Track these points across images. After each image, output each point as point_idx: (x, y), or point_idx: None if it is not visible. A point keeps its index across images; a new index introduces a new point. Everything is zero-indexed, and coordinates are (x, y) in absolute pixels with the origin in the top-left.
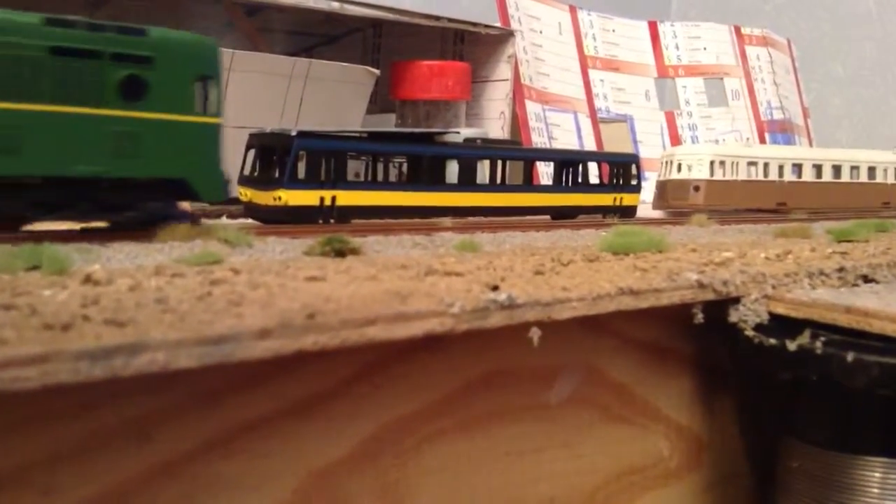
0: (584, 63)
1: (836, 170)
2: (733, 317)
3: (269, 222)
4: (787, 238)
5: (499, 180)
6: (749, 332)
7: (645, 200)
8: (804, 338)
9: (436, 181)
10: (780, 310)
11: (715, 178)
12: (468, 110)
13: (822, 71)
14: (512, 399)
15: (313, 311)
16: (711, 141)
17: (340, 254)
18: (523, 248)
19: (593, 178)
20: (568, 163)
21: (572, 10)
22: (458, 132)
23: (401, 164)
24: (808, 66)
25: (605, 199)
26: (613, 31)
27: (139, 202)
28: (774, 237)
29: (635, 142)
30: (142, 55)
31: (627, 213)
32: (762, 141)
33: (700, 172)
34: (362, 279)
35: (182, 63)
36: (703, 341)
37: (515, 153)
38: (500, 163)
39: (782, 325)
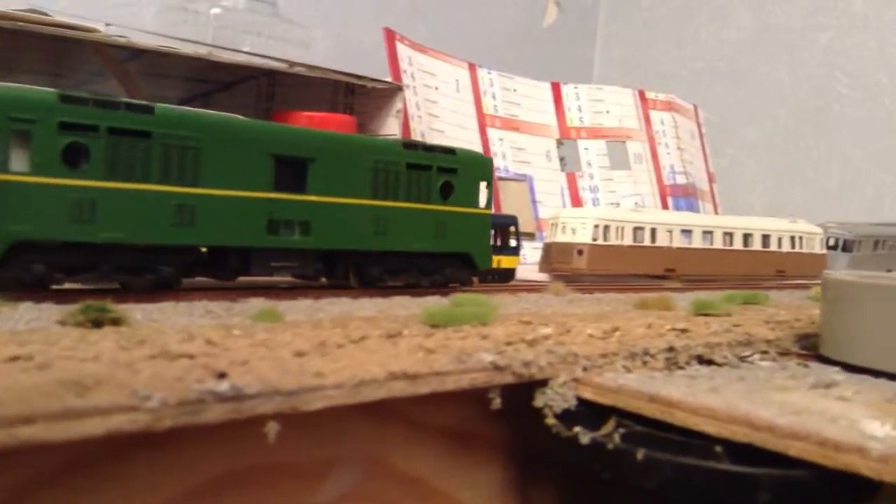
0: (483, 121)
1: (728, 237)
2: (539, 401)
3: None
4: (647, 309)
5: None
6: (550, 420)
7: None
8: (608, 428)
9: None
10: (589, 395)
11: (599, 242)
12: None
13: (736, 137)
14: (267, 499)
15: None
16: (612, 204)
17: (98, 324)
18: (333, 319)
19: None
20: None
21: (471, 67)
22: None
23: None
24: (723, 131)
25: None
26: (515, 90)
27: (442, 269)
28: (633, 308)
29: (534, 202)
30: (451, 167)
31: (506, 275)
32: (664, 205)
33: (584, 236)
34: (74, 360)
35: (471, 172)
36: (518, 426)
37: None
38: None
39: (593, 412)
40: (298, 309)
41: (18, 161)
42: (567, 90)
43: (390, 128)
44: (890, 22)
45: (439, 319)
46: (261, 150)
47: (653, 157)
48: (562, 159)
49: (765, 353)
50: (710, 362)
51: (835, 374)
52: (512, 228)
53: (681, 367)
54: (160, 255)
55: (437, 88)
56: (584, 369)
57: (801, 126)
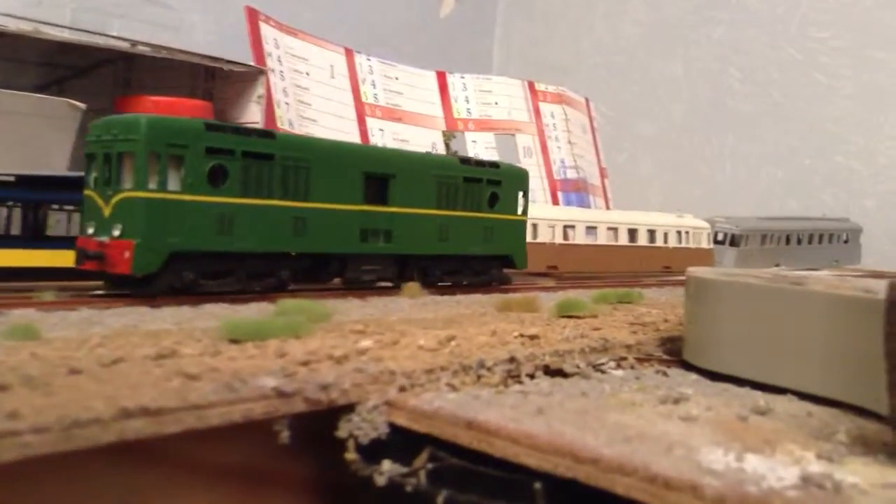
0: (361, 110)
1: (613, 232)
2: (342, 431)
3: None
4: (509, 311)
5: None
6: (350, 455)
7: None
8: (419, 462)
9: None
10: (402, 421)
11: None
12: None
13: (633, 132)
14: None
15: None
16: None
17: None
18: (107, 335)
19: None
20: None
21: (348, 52)
22: None
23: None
24: (620, 126)
25: None
26: (397, 78)
27: (487, 269)
28: (495, 310)
29: None
30: (497, 179)
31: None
32: (555, 200)
33: None
34: None
35: (511, 184)
36: (327, 460)
37: None
38: None
39: (412, 443)
40: (72, 322)
41: (174, 182)
42: (453, 80)
43: (251, 114)
44: (781, 16)
45: (241, 333)
46: (355, 168)
47: (543, 151)
48: (455, 153)
49: (623, 359)
50: (558, 373)
51: (690, 384)
52: None
53: (520, 382)
54: (279, 261)
55: (307, 74)
56: (402, 389)
57: (695, 121)
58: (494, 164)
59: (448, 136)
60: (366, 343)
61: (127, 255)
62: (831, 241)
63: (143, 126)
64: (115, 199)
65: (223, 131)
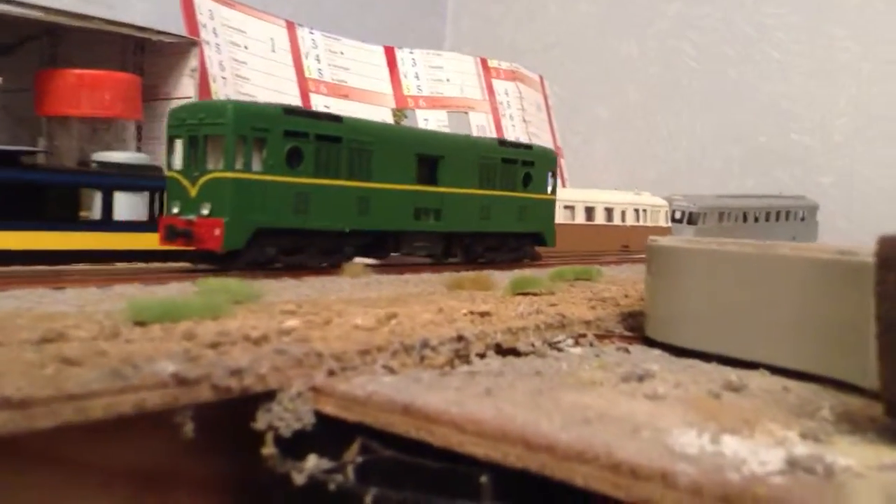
0: (305, 86)
1: (570, 211)
2: (261, 422)
3: None
4: (461, 290)
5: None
6: (267, 449)
7: None
8: (349, 456)
9: (20, 216)
10: (330, 409)
11: None
12: (146, 133)
13: (588, 113)
14: None
15: None
16: None
17: None
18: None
19: None
20: None
21: (290, 25)
22: (40, 151)
23: None
24: (575, 107)
25: None
26: (342, 53)
27: (521, 246)
28: (445, 289)
29: None
30: (530, 160)
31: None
32: None
33: None
34: None
35: (543, 164)
36: (252, 452)
37: (141, 182)
38: (119, 194)
39: (342, 434)
40: None
41: (257, 163)
42: (402, 55)
43: (185, 88)
44: None
45: (149, 314)
46: (409, 150)
47: (497, 130)
48: None
49: (581, 336)
50: (511, 352)
51: (655, 360)
52: None
53: (468, 362)
54: (344, 238)
55: (246, 47)
56: (331, 374)
57: (650, 101)
58: (528, 146)
59: (399, 115)
60: (292, 323)
61: (217, 232)
62: (788, 218)
63: (231, 111)
64: (202, 180)
65: (299, 115)
